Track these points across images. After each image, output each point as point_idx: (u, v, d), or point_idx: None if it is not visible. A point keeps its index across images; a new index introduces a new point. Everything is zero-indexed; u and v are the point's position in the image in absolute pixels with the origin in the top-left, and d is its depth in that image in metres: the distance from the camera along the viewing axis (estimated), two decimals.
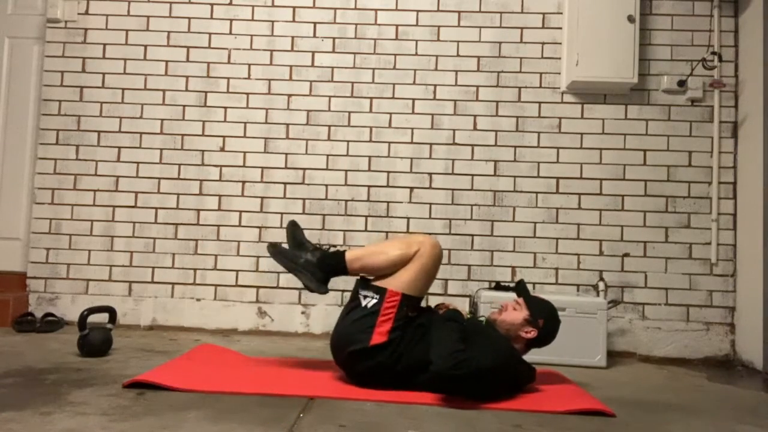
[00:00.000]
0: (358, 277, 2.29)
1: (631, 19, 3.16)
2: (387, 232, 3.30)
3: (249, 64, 3.40)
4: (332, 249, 2.34)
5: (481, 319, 2.42)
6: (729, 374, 2.93)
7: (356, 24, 3.39)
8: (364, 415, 1.87)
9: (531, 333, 2.21)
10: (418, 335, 2.17)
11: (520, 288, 2.46)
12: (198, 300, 3.32)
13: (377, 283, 2.22)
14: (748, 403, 2.34)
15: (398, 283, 2.19)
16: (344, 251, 2.29)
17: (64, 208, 3.38)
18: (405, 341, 2.15)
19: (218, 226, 3.36)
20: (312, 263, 2.27)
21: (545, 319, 2.24)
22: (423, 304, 2.33)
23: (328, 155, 3.36)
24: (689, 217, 3.26)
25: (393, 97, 3.36)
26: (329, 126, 3.37)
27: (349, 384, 2.20)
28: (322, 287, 2.29)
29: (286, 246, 2.35)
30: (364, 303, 2.19)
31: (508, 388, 2.14)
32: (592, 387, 2.39)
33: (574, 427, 1.85)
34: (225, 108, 3.39)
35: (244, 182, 3.36)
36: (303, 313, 3.29)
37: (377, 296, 2.18)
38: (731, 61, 3.30)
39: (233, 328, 3.29)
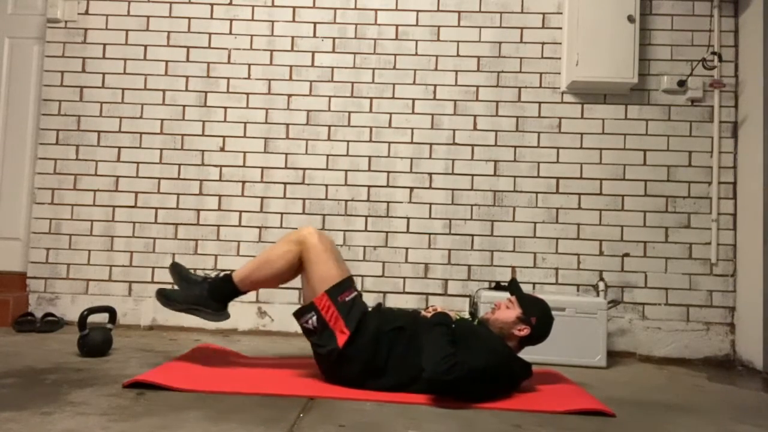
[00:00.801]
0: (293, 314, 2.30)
1: (631, 19, 3.16)
2: (387, 233, 3.31)
3: (249, 64, 3.40)
4: (221, 274, 2.34)
5: (469, 318, 2.41)
6: (729, 374, 2.93)
7: (356, 24, 3.39)
8: (363, 415, 1.87)
9: (524, 331, 2.21)
10: (404, 341, 2.16)
11: (513, 286, 2.46)
12: None
13: (305, 305, 2.24)
14: (748, 403, 2.34)
15: (314, 290, 2.22)
16: (231, 273, 2.31)
17: (64, 208, 3.38)
18: (384, 338, 2.15)
19: (218, 226, 3.36)
20: (204, 297, 2.29)
21: (538, 317, 2.23)
22: (421, 307, 2.34)
23: (328, 155, 3.36)
24: (689, 217, 3.26)
25: (393, 97, 3.36)
26: (329, 126, 3.37)
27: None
28: (221, 316, 2.33)
29: (174, 287, 2.36)
30: (310, 325, 2.21)
31: (504, 386, 2.14)
32: (592, 387, 2.39)
33: (574, 427, 1.84)
34: (225, 108, 3.39)
35: (244, 182, 3.36)
36: None
37: (312, 312, 2.20)
38: (731, 61, 3.30)
39: (233, 328, 3.29)
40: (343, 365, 2.16)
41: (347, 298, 2.22)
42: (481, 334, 2.20)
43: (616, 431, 1.84)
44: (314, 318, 2.19)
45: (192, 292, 2.30)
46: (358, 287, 3.22)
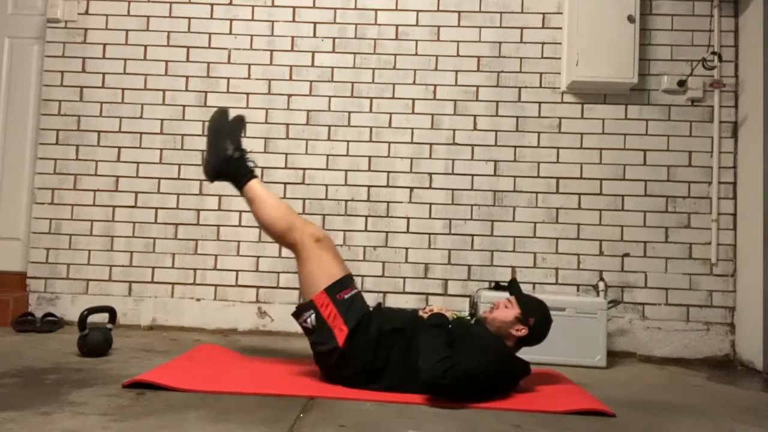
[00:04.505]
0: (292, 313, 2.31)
1: (631, 19, 3.16)
2: (387, 233, 3.31)
3: (249, 64, 3.40)
4: (253, 167, 2.42)
5: (468, 317, 2.41)
6: (729, 374, 2.93)
7: (356, 24, 3.39)
8: (363, 415, 1.87)
9: (522, 331, 2.21)
10: (402, 342, 2.16)
11: (513, 286, 2.45)
12: (198, 300, 3.32)
13: (303, 304, 2.26)
14: (748, 403, 2.34)
15: (313, 287, 2.23)
16: (253, 179, 2.39)
17: (64, 208, 3.38)
18: (384, 340, 2.15)
19: (218, 226, 3.36)
20: (228, 157, 2.37)
21: (536, 318, 2.23)
22: (421, 307, 2.34)
23: (328, 155, 3.36)
24: (689, 217, 3.26)
25: (393, 97, 3.36)
26: (329, 126, 3.37)
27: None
28: (211, 177, 2.43)
29: (229, 122, 2.45)
30: (309, 324, 2.21)
31: (503, 385, 2.14)
32: (592, 387, 2.39)
33: (574, 427, 1.85)
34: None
35: None
36: None
37: (311, 310, 2.21)
38: (731, 61, 3.30)
39: (233, 328, 3.29)
40: (343, 367, 2.16)
41: (346, 296, 2.22)
42: (478, 333, 2.19)
43: (616, 431, 1.84)
44: (312, 316, 2.19)
45: (230, 143, 2.41)
46: (359, 287, 3.24)
